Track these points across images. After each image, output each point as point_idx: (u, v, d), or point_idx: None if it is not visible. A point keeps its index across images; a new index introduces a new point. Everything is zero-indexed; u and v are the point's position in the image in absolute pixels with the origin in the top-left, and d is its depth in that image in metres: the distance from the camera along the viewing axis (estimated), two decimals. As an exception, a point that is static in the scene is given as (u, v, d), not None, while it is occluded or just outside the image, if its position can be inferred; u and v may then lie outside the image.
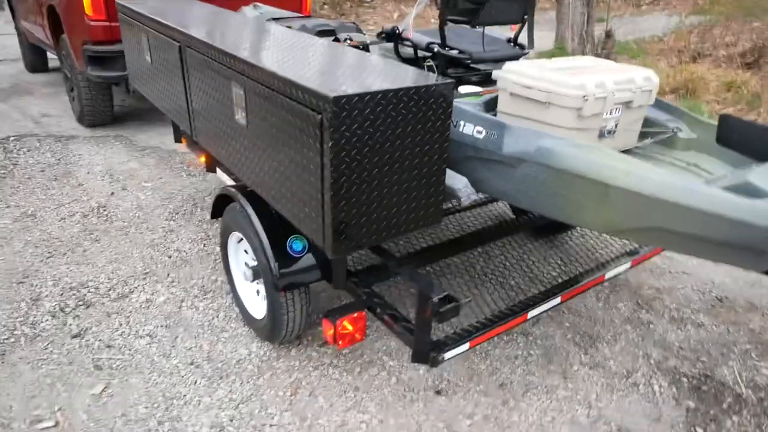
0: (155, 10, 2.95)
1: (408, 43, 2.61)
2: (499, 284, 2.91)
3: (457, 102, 2.13)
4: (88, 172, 4.33)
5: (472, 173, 2.15)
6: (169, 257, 3.22)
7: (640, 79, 2.06)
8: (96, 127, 5.23)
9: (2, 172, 4.29)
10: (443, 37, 2.39)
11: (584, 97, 1.90)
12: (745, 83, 5.74)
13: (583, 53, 6.56)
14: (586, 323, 2.74)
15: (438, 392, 2.29)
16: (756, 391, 2.36)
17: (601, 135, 2.07)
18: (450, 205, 2.68)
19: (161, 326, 2.65)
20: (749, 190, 1.56)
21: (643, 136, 2.25)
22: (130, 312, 2.74)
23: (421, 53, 2.70)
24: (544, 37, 7.83)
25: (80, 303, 2.79)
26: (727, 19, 7.15)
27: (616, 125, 2.09)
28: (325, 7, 12.08)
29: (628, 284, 3.06)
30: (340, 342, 2.06)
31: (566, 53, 6.55)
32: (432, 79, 1.77)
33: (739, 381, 2.41)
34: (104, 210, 3.77)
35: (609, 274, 2.46)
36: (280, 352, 2.49)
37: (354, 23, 3.47)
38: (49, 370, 2.36)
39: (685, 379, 2.41)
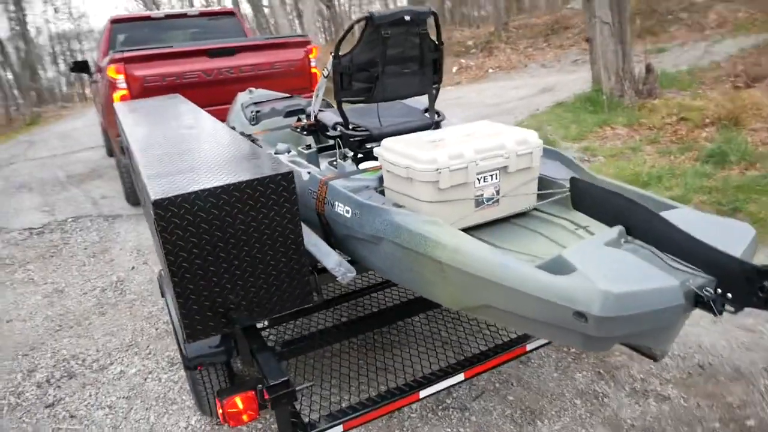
0: (131, 112, 3.32)
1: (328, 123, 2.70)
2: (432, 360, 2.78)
3: (334, 183, 2.18)
4: (121, 249, 4.82)
5: (354, 251, 2.18)
6: (156, 329, 3.48)
7: (512, 144, 1.99)
8: (140, 205, 5.82)
9: (53, 251, 4.91)
10: (343, 115, 2.47)
11: (437, 170, 1.88)
12: (805, 107, 5.14)
13: (622, 92, 6.24)
14: (533, 396, 2.56)
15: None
16: (709, 480, 2.06)
17: (479, 204, 2.01)
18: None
19: (123, 398, 2.86)
20: (557, 266, 1.46)
21: (547, 196, 2.15)
22: (102, 383, 2.99)
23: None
24: (583, 78, 7.60)
25: (65, 374, 3.10)
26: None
27: (497, 192, 2.03)
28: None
29: (597, 350, 2.81)
30: (230, 421, 2.12)
31: (602, 94, 6.27)
32: (270, 169, 1.86)
33: (692, 467, 2.12)
34: (121, 284, 4.17)
35: (532, 345, 2.31)
36: (216, 428, 2.58)
37: (325, 99, 3.64)
38: (13, 440, 2.65)
39: (625, 463, 2.17)
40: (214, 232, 1.77)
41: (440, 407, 2.55)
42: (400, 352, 2.84)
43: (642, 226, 1.53)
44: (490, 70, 14.28)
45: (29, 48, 26.30)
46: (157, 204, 1.67)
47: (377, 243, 1.96)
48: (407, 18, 2.27)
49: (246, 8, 24.74)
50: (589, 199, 1.75)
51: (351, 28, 2.31)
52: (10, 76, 24.00)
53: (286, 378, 1.80)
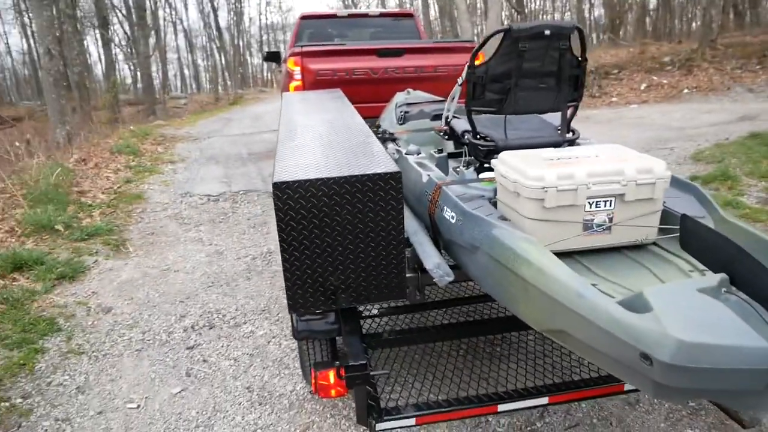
0: (292, 102, 3.69)
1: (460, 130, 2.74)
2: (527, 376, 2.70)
3: (447, 188, 2.24)
4: (277, 223, 5.34)
5: (456, 257, 2.22)
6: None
7: (632, 172, 1.88)
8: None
9: (222, 217, 5.63)
10: (472, 124, 2.50)
11: (543, 188, 1.85)
12: None
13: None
14: (632, 445, 2.37)
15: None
16: None
17: (588, 228, 1.94)
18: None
19: (247, 354, 3.22)
20: (636, 303, 1.38)
21: (667, 231, 1.99)
22: (234, 338, 3.40)
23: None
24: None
25: (206, 324, 3.58)
26: None
27: (609, 219, 1.93)
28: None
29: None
30: (320, 392, 2.30)
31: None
32: (380, 168, 1.98)
33: None
34: (270, 255, 4.65)
35: (630, 386, 2.15)
36: (316, 397, 2.81)
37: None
38: (158, 368, 3.13)
39: None
40: (323, 217, 1.94)
41: (529, 428, 2.48)
42: (506, 365, 2.81)
43: (749, 278, 1.37)
44: (685, 90, 12.94)
45: (241, 36, 30.03)
46: (277, 186, 1.89)
47: (474, 252, 1.98)
48: (547, 33, 2.24)
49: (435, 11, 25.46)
50: (697, 241, 1.59)
51: (488, 39, 2.34)
52: (222, 60, 27.62)
53: (364, 362, 1.92)
